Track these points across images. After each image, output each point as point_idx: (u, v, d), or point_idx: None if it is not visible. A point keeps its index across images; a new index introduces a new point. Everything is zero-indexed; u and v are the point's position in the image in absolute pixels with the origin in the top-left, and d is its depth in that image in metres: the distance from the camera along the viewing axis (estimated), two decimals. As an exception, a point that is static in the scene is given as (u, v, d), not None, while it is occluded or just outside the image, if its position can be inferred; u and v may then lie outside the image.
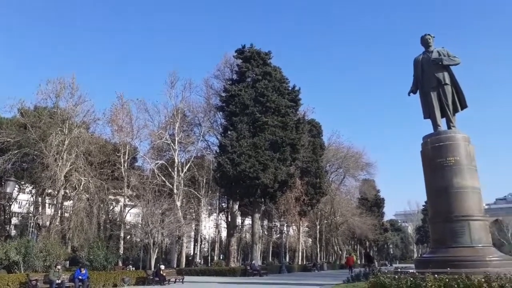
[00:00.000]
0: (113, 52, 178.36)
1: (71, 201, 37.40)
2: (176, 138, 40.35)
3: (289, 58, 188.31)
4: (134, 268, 35.91)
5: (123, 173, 38.78)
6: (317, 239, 58.17)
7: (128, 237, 44.66)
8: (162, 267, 25.29)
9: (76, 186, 34.17)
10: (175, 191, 39.36)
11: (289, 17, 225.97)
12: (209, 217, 63.79)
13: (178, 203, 38.98)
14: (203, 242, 66.82)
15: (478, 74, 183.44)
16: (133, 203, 44.43)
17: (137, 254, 42.72)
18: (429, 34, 14.97)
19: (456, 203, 12.68)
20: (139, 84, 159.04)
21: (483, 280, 10.01)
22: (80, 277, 19.63)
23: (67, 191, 36.11)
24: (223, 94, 36.62)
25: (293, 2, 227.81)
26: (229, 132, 34.35)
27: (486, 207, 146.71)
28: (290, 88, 37.25)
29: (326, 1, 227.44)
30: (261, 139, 32.62)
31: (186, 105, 43.09)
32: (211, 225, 77.35)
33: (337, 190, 59.47)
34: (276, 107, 34.44)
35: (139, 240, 38.48)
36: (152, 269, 27.78)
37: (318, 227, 56.72)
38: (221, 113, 38.26)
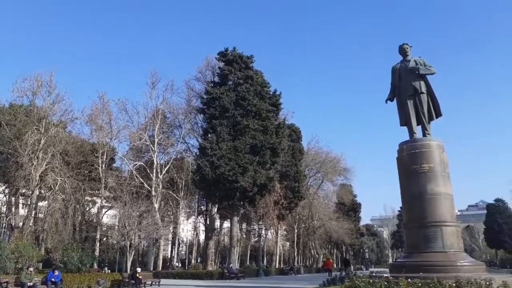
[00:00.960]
0: (93, 52, 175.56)
1: (46, 202, 36.50)
2: (156, 140, 39.99)
3: (269, 63, 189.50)
4: (109, 271, 35.27)
5: (101, 174, 38.15)
6: (295, 242, 58.51)
7: (104, 239, 43.88)
8: (139, 269, 24.94)
9: (52, 186, 33.37)
10: (153, 193, 38.96)
11: (271, 23, 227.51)
12: (187, 219, 63.31)
13: (156, 205, 38.59)
14: (181, 245, 66.23)
15: (452, 83, 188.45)
16: (110, 205, 43.71)
17: (113, 256, 42.00)
18: (406, 44, 15.36)
19: (429, 209, 13.03)
20: (119, 85, 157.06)
21: (454, 284, 10.34)
22: (53, 279, 19.19)
23: (42, 191, 35.21)
24: (205, 97, 36.51)
25: (273, 8, 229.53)
26: (209, 135, 34.26)
27: (459, 213, 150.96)
28: (271, 93, 37.43)
29: (307, 7, 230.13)
30: (241, 142, 32.68)
31: (166, 107, 42.84)
32: (189, 228, 76.77)
33: (315, 194, 60.02)
34: (257, 111, 34.56)
35: (115, 242, 37.91)
36: (128, 271, 27.39)
37: (296, 230, 57.08)
38: (201, 115, 38.13)
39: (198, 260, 56.51)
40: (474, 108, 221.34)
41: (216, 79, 38.13)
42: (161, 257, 42.73)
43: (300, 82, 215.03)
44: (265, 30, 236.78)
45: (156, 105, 41.64)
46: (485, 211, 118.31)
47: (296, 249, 59.87)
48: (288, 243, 65.89)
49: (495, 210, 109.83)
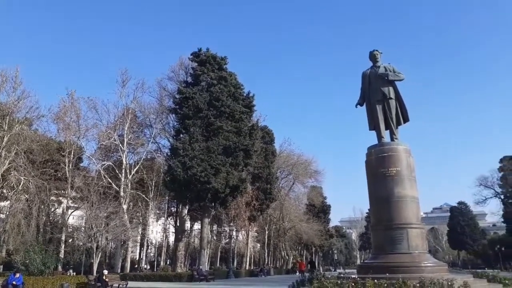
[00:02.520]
0: (65, 49, 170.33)
1: (8, 202, 35.04)
2: (125, 139, 39.19)
3: (244, 67, 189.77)
4: (75, 273, 34.23)
5: (67, 173, 37.03)
6: (266, 244, 58.70)
7: (70, 240, 42.55)
8: (105, 272, 24.31)
9: (15, 186, 32.10)
10: (122, 193, 38.15)
11: (245, 27, 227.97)
12: (157, 221, 62.40)
13: (125, 206, 37.80)
14: (149, 247, 65.15)
15: (417, 91, 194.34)
16: (76, 205, 42.46)
17: (79, 258, 40.77)
18: (377, 50, 15.72)
19: (396, 211, 13.37)
20: (89, 83, 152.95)
21: (418, 285, 10.67)
22: (14, 282, 18.47)
23: (4, 191, 33.82)
24: (177, 96, 36.07)
25: (247, 12, 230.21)
26: (181, 135, 33.89)
27: (424, 215, 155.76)
28: (245, 94, 37.45)
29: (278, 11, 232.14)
30: (214, 143, 32.50)
31: (137, 106, 42.14)
32: (158, 230, 75.58)
33: (287, 196, 60.43)
34: (231, 112, 34.49)
35: (81, 244, 36.80)
36: (95, 274, 26.67)
37: (267, 232, 57.26)
38: (174, 115, 37.65)
39: (167, 262, 55.68)
40: (439, 114, 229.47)
41: (189, 79, 37.80)
42: (129, 259, 41.86)
43: (273, 86, 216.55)
44: (240, 34, 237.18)
45: (126, 104, 40.92)
46: (448, 214, 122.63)
47: (266, 251, 60.05)
48: (258, 245, 66.00)
49: (458, 212, 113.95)
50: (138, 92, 41.28)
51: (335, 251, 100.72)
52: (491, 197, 78.68)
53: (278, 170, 56.47)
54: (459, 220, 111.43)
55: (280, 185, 58.80)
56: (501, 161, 77.64)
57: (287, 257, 67.56)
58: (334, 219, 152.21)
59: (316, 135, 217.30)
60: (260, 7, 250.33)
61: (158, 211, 52.46)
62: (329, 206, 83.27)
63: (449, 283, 10.65)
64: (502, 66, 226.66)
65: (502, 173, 76.51)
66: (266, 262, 59.47)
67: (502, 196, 77.99)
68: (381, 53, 15.80)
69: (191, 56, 37.39)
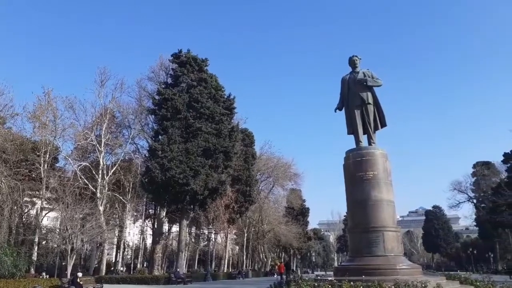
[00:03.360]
0: (43, 48, 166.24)
1: (-22, 202, 33.82)
2: (103, 140, 38.55)
3: (225, 70, 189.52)
4: (48, 276, 33.33)
5: (42, 173, 36.08)
6: (244, 246, 58.62)
7: (44, 242, 41.45)
8: (80, 274, 23.79)
9: (-15, 186, 31.06)
10: (98, 195, 37.45)
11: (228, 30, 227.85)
12: (134, 223, 61.43)
13: (101, 208, 37.13)
14: (126, 249, 64.08)
15: (394, 99, 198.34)
16: (51, 206, 41.39)
17: (53, 261, 39.79)
18: (356, 56, 15.97)
19: (372, 214, 13.58)
20: (68, 82, 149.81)
21: (393, 287, 10.86)
22: (-17, 286, 17.85)
23: (-26, 191, 32.64)
24: (156, 97, 35.72)
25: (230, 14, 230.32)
26: (160, 137, 33.55)
27: (400, 219, 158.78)
28: (225, 96, 37.39)
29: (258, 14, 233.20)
30: (193, 145, 32.29)
31: (116, 106, 41.53)
32: (136, 232, 74.43)
33: (266, 198, 60.57)
34: (211, 114, 34.36)
35: (56, 246, 35.89)
36: (68, 277, 26.03)
37: (245, 234, 57.20)
38: (153, 116, 37.24)
39: (145, 265, 54.93)
40: (416, 120, 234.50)
41: (169, 80, 37.49)
42: (104, 262, 41.08)
43: (254, 88, 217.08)
44: (222, 36, 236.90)
45: (105, 104, 40.28)
46: (424, 217, 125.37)
47: (245, 253, 59.97)
48: (237, 247, 65.87)
49: (432, 216, 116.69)
50: (117, 92, 40.77)
51: (313, 254, 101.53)
52: (464, 201, 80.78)
53: (258, 173, 56.56)
54: (434, 223, 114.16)
55: (260, 187, 58.91)
56: (474, 166, 79.92)
57: (265, 259, 67.68)
58: (313, 222, 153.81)
59: (296, 138, 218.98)
60: (243, 8, 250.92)
61: (135, 213, 51.68)
62: (308, 209, 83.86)
63: (423, 285, 10.87)
64: (476, 67, 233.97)
65: (475, 178, 78.74)
66: (244, 265, 59.40)
67: (474, 201, 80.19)
68: (360, 59, 16.05)
69: (171, 57, 37.13)
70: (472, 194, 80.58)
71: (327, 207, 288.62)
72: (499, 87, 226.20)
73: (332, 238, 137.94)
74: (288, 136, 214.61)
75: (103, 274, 37.66)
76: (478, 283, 14.57)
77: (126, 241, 62.70)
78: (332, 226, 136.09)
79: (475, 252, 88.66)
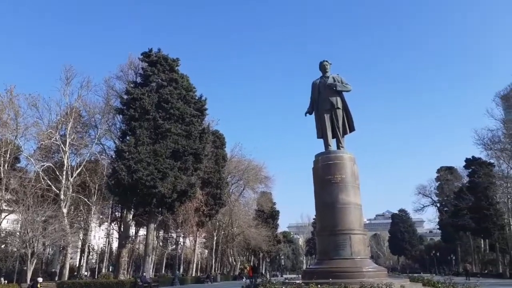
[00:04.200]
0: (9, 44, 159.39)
1: None
2: (68, 139, 37.24)
3: (198, 71, 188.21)
4: (6, 281, 31.78)
5: (2, 174, 34.44)
6: (213, 250, 58.09)
7: (3, 246, 39.55)
8: (40, 279, 22.84)
9: None
10: (62, 196, 36.11)
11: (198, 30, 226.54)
12: (99, 226, 59.61)
13: (65, 210, 35.82)
14: (91, 253, 62.14)
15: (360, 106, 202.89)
16: (11, 208, 39.53)
17: (12, 265, 37.96)
18: (326, 61, 16.12)
19: (340, 217, 13.68)
20: (29, 81, 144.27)
21: (358, 289, 10.97)
22: None
23: None
24: (125, 97, 34.84)
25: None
26: (127, 137, 32.72)
27: (367, 222, 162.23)
28: (196, 97, 36.92)
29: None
30: (162, 146, 31.66)
31: (82, 104, 40.27)
32: (101, 235, 72.44)
33: (236, 201, 60.33)
34: (181, 114, 33.83)
35: (15, 249, 34.30)
36: (28, 282, 24.93)
37: (215, 238, 56.71)
38: (120, 116, 36.31)
39: (110, 269, 53.37)
40: (384, 126, 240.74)
41: (139, 79, 36.67)
42: (67, 266, 39.58)
43: (226, 91, 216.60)
44: (194, 39, 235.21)
45: (70, 103, 38.97)
46: (390, 220, 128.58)
47: (214, 257, 59.42)
48: (206, 251, 65.18)
49: (398, 219, 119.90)
50: (83, 91, 39.53)
51: (282, 257, 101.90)
52: (428, 205, 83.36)
53: (229, 175, 56.29)
54: (400, 227, 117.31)
55: (231, 190, 58.63)
56: (438, 171, 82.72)
57: (234, 263, 67.33)
58: (283, 225, 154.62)
59: (266, 141, 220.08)
60: (215, 10, 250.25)
61: (101, 216, 50.13)
62: (278, 211, 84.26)
63: (387, 287, 11.03)
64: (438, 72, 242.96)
65: (439, 183, 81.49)
66: (213, 269, 58.85)
67: (438, 204, 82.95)
68: (330, 63, 16.22)
69: (142, 56, 36.34)
70: (436, 198, 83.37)
71: (296, 210, 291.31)
72: (463, 94, 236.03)
73: (301, 241, 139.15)
74: (258, 138, 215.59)
75: (66, 279, 36.30)
76: (439, 285, 14.98)
77: (91, 245, 60.88)
78: (301, 229, 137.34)
79: (438, 254, 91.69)
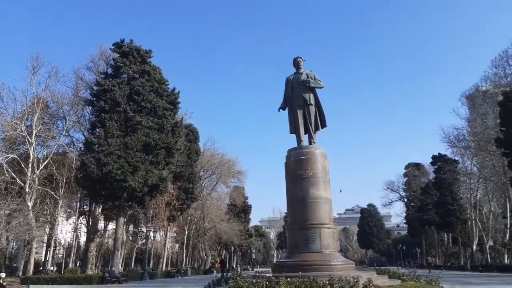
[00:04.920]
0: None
1: None
2: (34, 131, 35.94)
3: (171, 64, 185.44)
4: (-35, 278, 30.34)
5: (-38, 165, 32.95)
6: (184, 244, 57.73)
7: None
8: (3, 275, 21.93)
9: None
10: (27, 189, 34.90)
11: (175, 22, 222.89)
12: (67, 220, 58.05)
13: (30, 204, 34.66)
14: (58, 248, 60.48)
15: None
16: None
17: (-28, 260, 36.51)
18: (300, 57, 16.29)
19: (310, 212, 13.93)
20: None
21: (327, 282, 11.19)
22: None
23: None
24: (95, 88, 33.90)
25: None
26: (97, 129, 31.90)
27: (337, 216, 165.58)
28: (169, 90, 36.32)
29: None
30: (133, 139, 31.04)
31: (49, 95, 38.89)
32: (69, 229, 70.61)
33: (209, 196, 60.08)
34: (153, 107, 33.25)
35: (-24, 244, 33.03)
36: (-11, 278, 23.94)
37: (186, 232, 56.34)
38: (90, 107, 35.35)
39: (77, 264, 52.17)
40: (354, 120, 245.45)
41: (110, 70, 35.72)
42: (32, 261, 38.33)
43: (199, 85, 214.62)
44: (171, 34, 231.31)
45: (37, 93, 37.57)
46: (359, 215, 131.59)
47: (185, 251, 59.07)
48: (177, 245, 64.71)
49: (367, 214, 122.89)
50: (51, 81, 38.14)
51: (254, 251, 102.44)
52: (396, 200, 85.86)
53: (202, 169, 55.95)
54: (368, 221, 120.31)
55: (203, 184, 58.30)
56: (406, 167, 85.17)
57: (205, 257, 67.20)
58: (255, 219, 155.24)
59: (239, 135, 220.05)
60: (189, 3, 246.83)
61: (69, 210, 48.78)
62: (250, 206, 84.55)
63: (355, 280, 11.34)
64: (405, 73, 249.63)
65: (406, 179, 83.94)
66: (184, 263, 58.53)
67: (405, 200, 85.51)
68: (304, 60, 16.40)
69: (113, 47, 35.37)
70: (403, 194, 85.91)
71: (269, 204, 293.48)
72: (433, 91, 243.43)
73: (272, 235, 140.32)
74: (231, 132, 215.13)
75: (30, 274, 35.21)
76: (404, 277, 15.55)
77: (58, 239, 59.28)
78: (273, 223, 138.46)
79: (404, 248, 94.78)
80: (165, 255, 53.13)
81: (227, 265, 46.62)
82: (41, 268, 47.92)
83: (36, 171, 35.95)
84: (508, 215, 44.74)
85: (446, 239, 73.98)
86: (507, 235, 51.21)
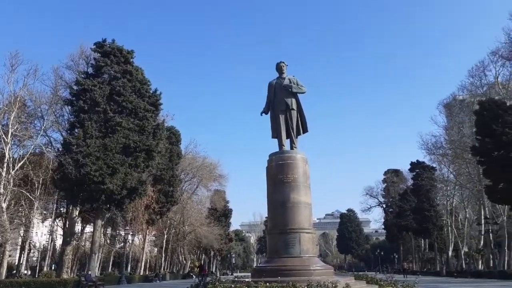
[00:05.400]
0: None
1: None
2: (10, 130, 34.96)
3: (153, 65, 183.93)
4: None
5: None
6: (163, 248, 57.06)
7: None
8: (-28, 280, 21.27)
9: None
10: (1, 190, 33.88)
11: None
12: (43, 222, 56.67)
13: (4, 205, 33.64)
14: (32, 251, 58.90)
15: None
16: None
17: None
18: (283, 62, 16.38)
19: (291, 216, 13.94)
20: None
21: (306, 287, 11.23)
22: None
23: None
24: (75, 87, 33.24)
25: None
26: (76, 130, 31.25)
27: (317, 221, 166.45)
28: (151, 91, 35.91)
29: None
30: (112, 141, 30.50)
31: (28, 94, 37.94)
32: (44, 232, 68.91)
33: (189, 199, 59.61)
34: (134, 108, 32.78)
35: None
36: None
37: (165, 236, 55.71)
38: (69, 107, 34.64)
39: (53, 268, 50.89)
40: (334, 125, 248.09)
41: (90, 70, 35.12)
42: (5, 264, 37.13)
43: (182, 87, 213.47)
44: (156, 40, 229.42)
45: (15, 91, 36.63)
46: (339, 220, 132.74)
47: (164, 255, 58.39)
48: (156, 249, 63.90)
49: (346, 219, 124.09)
50: (29, 79, 37.20)
51: (234, 255, 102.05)
52: (375, 206, 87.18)
53: (182, 173, 55.47)
54: (348, 226, 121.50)
55: (184, 188, 57.79)
56: (385, 173, 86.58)
57: (184, 261, 66.57)
58: (235, 223, 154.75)
59: (220, 139, 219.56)
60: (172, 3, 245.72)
61: (44, 212, 47.61)
62: (231, 210, 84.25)
63: (334, 285, 11.39)
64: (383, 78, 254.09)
65: (385, 185, 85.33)
66: (162, 267, 57.82)
67: (384, 205, 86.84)
68: (287, 65, 16.50)
69: (94, 46, 34.78)
70: (382, 199, 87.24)
71: (249, 208, 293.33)
72: (412, 98, 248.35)
73: (253, 239, 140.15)
74: (212, 136, 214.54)
75: (3, 277, 34.17)
76: (382, 282, 15.72)
77: (33, 242, 57.71)
78: (253, 227, 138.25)
79: (382, 253, 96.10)
80: (144, 259, 52.38)
81: (207, 270, 46.19)
82: (15, 271, 46.57)
83: (11, 171, 34.96)
84: (483, 222, 45.84)
85: (423, 245, 75.35)
86: (481, 242, 52.50)
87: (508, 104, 37.28)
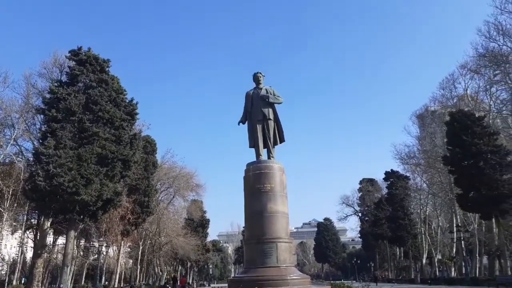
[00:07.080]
0: None
1: None
2: (-22, 139, 33.81)
3: (129, 73, 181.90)
4: None
5: None
6: (139, 260, 55.86)
7: None
8: None
9: None
10: (-32, 202, 32.60)
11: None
12: (12, 234, 54.65)
13: (-29, 217, 32.35)
14: (1, 264, 56.66)
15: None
16: None
17: None
18: (260, 72, 16.61)
19: (268, 226, 14.00)
20: None
21: (282, 297, 11.28)
22: None
23: None
24: (48, 96, 32.46)
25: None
26: (48, 139, 30.44)
27: (294, 230, 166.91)
28: (127, 101, 35.45)
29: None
30: (87, 151, 29.82)
31: (-3, 101, 36.79)
32: (14, 244, 66.42)
33: (165, 209, 58.70)
34: (110, 118, 32.21)
35: None
36: None
37: (141, 247, 54.59)
38: (42, 116, 33.76)
39: (22, 281, 48.96)
40: (311, 136, 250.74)
41: (64, 78, 34.40)
42: (-29, 279, 35.65)
43: (157, 96, 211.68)
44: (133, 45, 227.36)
45: (-17, 98, 35.46)
46: (316, 229, 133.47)
47: (139, 267, 57.12)
48: (131, 261, 62.50)
49: (323, 228, 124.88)
50: (-2, 86, 36.17)
51: (211, 266, 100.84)
52: (351, 215, 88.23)
53: (159, 182, 54.65)
54: (325, 235, 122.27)
55: (160, 198, 56.91)
56: (360, 182, 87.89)
57: (160, 273, 65.31)
58: (212, 233, 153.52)
59: (197, 148, 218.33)
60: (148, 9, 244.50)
61: (14, 223, 45.94)
62: (208, 220, 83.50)
63: (310, 294, 11.47)
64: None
65: (361, 193, 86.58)
66: (138, 279, 56.54)
67: (360, 214, 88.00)
68: (264, 75, 16.74)
69: (69, 54, 34.09)
70: (358, 208, 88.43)
71: (227, 218, 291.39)
72: (384, 109, 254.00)
73: (230, 249, 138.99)
74: (190, 145, 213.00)
75: (-32, 293, 32.68)
76: (358, 291, 15.87)
77: (1, 255, 55.57)
78: (231, 237, 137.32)
79: (359, 262, 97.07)
80: (118, 271, 51.09)
81: (186, 281, 45.48)
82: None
83: (-21, 182, 33.71)
84: (455, 229, 47.07)
85: (398, 253, 76.57)
86: (454, 249, 53.81)
87: (477, 116, 38.72)
